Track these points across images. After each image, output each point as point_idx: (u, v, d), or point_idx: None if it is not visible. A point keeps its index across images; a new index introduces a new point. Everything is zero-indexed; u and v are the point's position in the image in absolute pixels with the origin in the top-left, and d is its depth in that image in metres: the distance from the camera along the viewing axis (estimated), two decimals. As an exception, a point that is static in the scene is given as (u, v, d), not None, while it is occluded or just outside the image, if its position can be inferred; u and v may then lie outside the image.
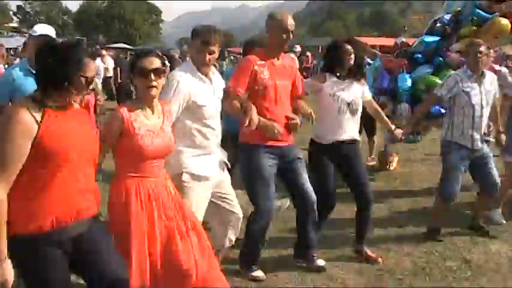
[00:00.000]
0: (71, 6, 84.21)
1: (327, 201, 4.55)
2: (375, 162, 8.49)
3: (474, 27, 7.04)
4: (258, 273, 4.35)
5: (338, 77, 4.49)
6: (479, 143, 5.11)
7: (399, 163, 8.54)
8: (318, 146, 4.57)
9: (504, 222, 5.86)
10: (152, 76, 2.98)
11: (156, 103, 3.15)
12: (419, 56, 7.21)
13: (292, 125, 4.13)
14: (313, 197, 4.27)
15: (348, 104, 4.45)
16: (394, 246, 5.22)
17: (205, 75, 3.73)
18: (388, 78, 7.25)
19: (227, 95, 3.93)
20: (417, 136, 7.24)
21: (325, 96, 4.44)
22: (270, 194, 4.11)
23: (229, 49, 36.37)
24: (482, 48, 5.00)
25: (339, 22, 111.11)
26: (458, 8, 7.30)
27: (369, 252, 4.86)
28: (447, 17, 7.41)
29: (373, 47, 13.84)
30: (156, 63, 3.02)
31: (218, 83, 3.90)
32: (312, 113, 4.28)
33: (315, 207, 4.30)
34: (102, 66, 14.98)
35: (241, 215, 4.14)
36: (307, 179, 4.31)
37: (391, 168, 8.24)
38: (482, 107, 5.03)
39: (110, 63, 16.20)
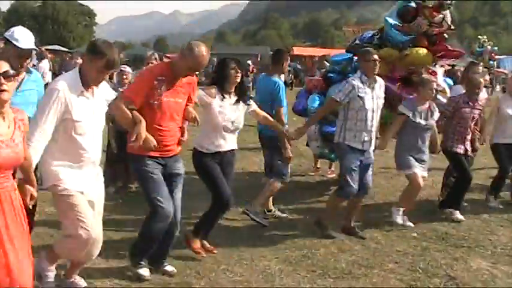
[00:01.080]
0: (1, 6, 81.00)
1: (224, 203, 4.86)
2: (334, 175, 8.50)
3: (396, 51, 7.05)
4: (145, 271, 4.42)
5: (225, 93, 4.77)
6: (369, 146, 5.53)
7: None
8: (200, 154, 4.83)
9: (411, 224, 6.22)
10: (2, 80, 2.82)
11: (7, 110, 2.97)
12: (332, 75, 7.35)
13: (181, 141, 4.42)
14: (179, 216, 4.47)
15: (232, 122, 4.81)
16: (376, 264, 5.22)
17: (88, 90, 3.70)
18: (305, 99, 7.47)
19: (119, 97, 4.05)
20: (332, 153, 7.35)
21: (212, 112, 4.73)
22: (166, 194, 4.25)
23: (166, 55, 36.18)
24: (376, 56, 5.45)
25: (273, 31, 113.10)
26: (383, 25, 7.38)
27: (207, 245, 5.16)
28: (369, 34, 7.52)
29: (312, 57, 14.23)
30: (4, 66, 2.88)
31: (101, 98, 3.85)
32: (197, 117, 4.49)
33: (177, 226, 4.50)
34: (47, 68, 14.06)
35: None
36: (180, 197, 4.51)
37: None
38: (373, 111, 5.46)
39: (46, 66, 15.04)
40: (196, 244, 5.02)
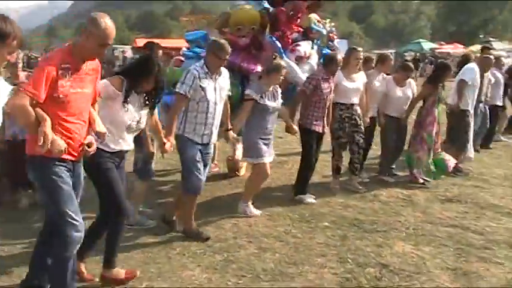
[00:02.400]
0: None
1: (120, 208, 4.11)
2: (218, 169, 7.88)
3: None
4: None
5: (137, 90, 4.18)
6: (208, 139, 5.21)
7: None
8: (100, 153, 4.01)
9: (258, 212, 6.06)
10: None
11: None
12: (186, 52, 7.36)
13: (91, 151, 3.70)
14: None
15: (137, 122, 4.24)
16: (304, 260, 4.81)
17: None
18: None
19: (17, 93, 3.30)
20: None
21: (116, 108, 4.11)
22: (77, 208, 3.57)
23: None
24: (227, 55, 5.11)
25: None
26: None
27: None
28: None
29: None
30: None
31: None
32: (105, 134, 3.85)
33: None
34: None
35: None
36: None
37: (240, 174, 7.79)
38: (215, 104, 5.13)
39: None
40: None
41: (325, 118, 6.69)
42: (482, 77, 8.83)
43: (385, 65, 7.79)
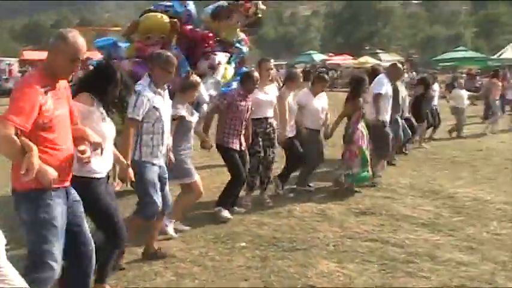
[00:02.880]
0: None
1: (121, 239, 4.08)
2: (118, 187, 7.31)
3: None
4: None
5: (103, 102, 4.04)
6: (164, 159, 5.07)
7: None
8: (92, 182, 3.89)
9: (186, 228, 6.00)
10: None
11: None
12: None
13: (85, 158, 3.48)
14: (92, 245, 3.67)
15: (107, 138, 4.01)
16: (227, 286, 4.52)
17: None
18: None
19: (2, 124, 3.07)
20: None
21: (96, 124, 3.90)
22: (61, 247, 3.35)
23: None
24: (174, 68, 4.89)
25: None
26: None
27: None
28: None
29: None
30: None
31: None
32: (102, 144, 3.67)
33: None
34: None
35: None
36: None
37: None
38: (167, 121, 4.95)
39: None
40: None
41: (241, 136, 6.51)
42: (395, 88, 9.03)
43: (294, 82, 7.63)
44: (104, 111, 3.97)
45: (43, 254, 3.23)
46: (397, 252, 5.28)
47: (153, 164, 4.82)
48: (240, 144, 6.51)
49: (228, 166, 6.55)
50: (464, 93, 14.29)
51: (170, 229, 5.76)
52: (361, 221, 6.34)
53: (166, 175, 5.05)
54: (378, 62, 38.90)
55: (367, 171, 7.74)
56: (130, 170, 4.44)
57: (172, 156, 5.42)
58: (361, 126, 7.74)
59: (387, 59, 42.94)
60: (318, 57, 43.19)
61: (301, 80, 7.79)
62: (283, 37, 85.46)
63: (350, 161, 7.64)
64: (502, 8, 75.34)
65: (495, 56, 32.46)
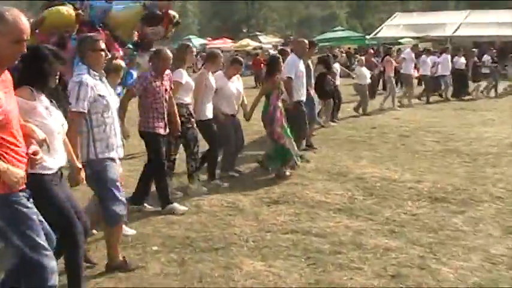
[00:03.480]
0: None
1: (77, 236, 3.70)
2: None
3: None
4: None
5: (44, 91, 3.61)
6: (122, 151, 4.65)
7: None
8: (41, 178, 3.50)
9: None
10: None
11: None
12: None
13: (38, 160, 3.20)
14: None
15: (62, 125, 3.70)
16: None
17: None
18: None
19: None
20: None
21: (41, 118, 3.50)
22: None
23: None
24: (104, 45, 4.44)
25: None
26: None
27: None
28: None
29: None
30: None
31: None
32: (46, 139, 3.32)
33: None
34: None
35: None
36: None
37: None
38: (115, 109, 4.54)
39: None
40: None
41: (165, 119, 6.08)
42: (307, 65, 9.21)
43: (214, 63, 7.41)
44: (49, 104, 3.56)
45: (35, 248, 3.09)
46: (321, 243, 5.03)
47: (112, 160, 4.38)
48: (165, 128, 6.10)
49: (152, 154, 6.11)
50: (366, 71, 14.65)
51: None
52: (275, 212, 6.04)
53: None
54: (258, 44, 39.21)
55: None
56: (82, 173, 3.99)
57: None
58: (280, 104, 7.69)
59: (267, 40, 43.43)
60: (197, 41, 42.50)
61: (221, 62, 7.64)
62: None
63: (279, 141, 7.56)
64: (372, -11, 79.01)
65: (372, 35, 33.77)
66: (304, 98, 8.68)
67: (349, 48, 34.24)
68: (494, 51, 19.69)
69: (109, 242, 4.51)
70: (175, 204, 6.12)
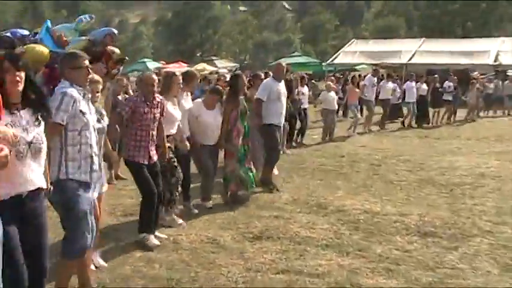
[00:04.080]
0: None
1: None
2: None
3: None
4: None
5: (10, 107, 3.27)
6: (98, 176, 4.41)
7: None
8: None
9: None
10: None
11: None
12: None
13: None
14: None
15: (30, 144, 3.34)
16: None
17: None
18: None
19: None
20: None
21: None
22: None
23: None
24: (88, 62, 4.20)
25: None
26: None
27: None
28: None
29: None
30: None
31: None
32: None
33: None
34: None
35: None
36: None
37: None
38: (95, 130, 4.28)
39: None
40: None
41: (151, 148, 5.78)
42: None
43: (191, 84, 7.30)
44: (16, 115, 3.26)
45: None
46: (317, 284, 4.76)
47: (85, 184, 4.03)
48: (150, 158, 5.76)
49: (137, 184, 5.83)
50: (334, 96, 14.63)
51: (97, 259, 5.13)
52: (261, 249, 5.73)
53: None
54: (214, 68, 39.06)
55: (250, 171, 7.78)
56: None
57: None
58: (239, 123, 7.57)
59: (222, 65, 43.38)
60: (152, 64, 42.02)
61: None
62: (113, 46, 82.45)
63: (226, 161, 7.61)
64: (324, 16, 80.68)
65: (329, 61, 34.09)
66: (279, 123, 8.48)
67: (305, 74, 34.35)
68: (455, 78, 20.00)
69: (59, 275, 4.13)
70: (151, 237, 5.80)
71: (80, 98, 4.00)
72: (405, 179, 9.43)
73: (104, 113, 5.06)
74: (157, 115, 5.86)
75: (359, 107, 16.53)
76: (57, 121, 3.84)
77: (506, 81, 25.18)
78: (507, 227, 6.40)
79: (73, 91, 3.96)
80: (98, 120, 4.69)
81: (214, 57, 48.70)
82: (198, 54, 66.77)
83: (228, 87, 7.97)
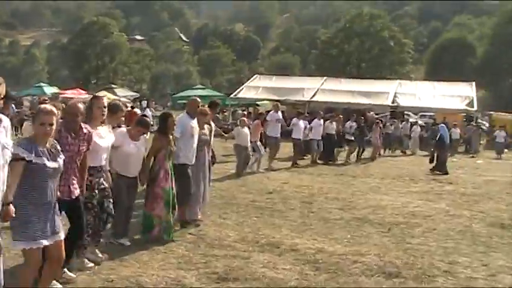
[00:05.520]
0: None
1: None
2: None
3: None
4: None
5: None
6: None
7: None
8: None
9: None
10: None
11: None
12: None
13: None
14: None
15: None
16: None
17: None
18: None
19: None
20: None
21: None
22: None
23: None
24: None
25: None
26: None
27: None
28: None
29: None
30: None
31: None
32: None
33: None
34: None
35: None
36: None
37: None
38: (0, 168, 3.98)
39: None
40: None
41: (72, 183, 5.33)
42: None
43: (116, 116, 6.74)
44: None
45: None
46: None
47: None
48: (70, 193, 5.29)
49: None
50: (247, 131, 14.69)
51: None
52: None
53: None
54: (115, 97, 38.04)
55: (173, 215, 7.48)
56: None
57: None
58: (167, 163, 7.34)
59: (123, 94, 42.42)
60: (49, 90, 40.29)
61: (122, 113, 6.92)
62: (2, 67, 78.57)
63: (153, 203, 7.27)
64: (222, 50, 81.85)
65: (233, 95, 34.40)
66: (190, 161, 8.19)
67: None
68: (362, 118, 20.87)
69: None
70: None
71: None
72: (339, 217, 9.59)
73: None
74: (82, 148, 5.44)
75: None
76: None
77: (404, 122, 26.80)
78: (460, 267, 6.65)
79: None
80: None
81: (113, 85, 47.53)
82: (93, 82, 65.04)
83: (159, 124, 7.69)
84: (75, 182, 5.37)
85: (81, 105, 5.46)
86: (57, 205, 4.76)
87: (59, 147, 4.76)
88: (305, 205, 10.61)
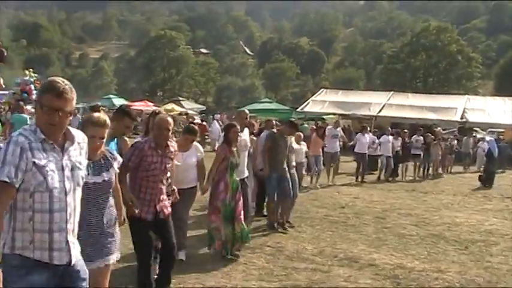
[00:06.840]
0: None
1: None
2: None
3: None
4: None
5: None
6: (68, 258, 3.09)
7: None
8: None
9: None
10: None
11: None
12: None
13: None
14: None
15: None
16: None
17: None
18: None
19: None
20: None
21: None
22: None
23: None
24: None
25: None
26: None
27: None
28: None
29: None
30: None
31: None
32: None
33: None
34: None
35: None
36: None
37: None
38: (67, 193, 3.05)
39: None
40: None
41: (158, 203, 5.27)
42: None
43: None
44: None
45: None
46: None
47: (36, 262, 2.98)
48: (156, 214, 5.23)
49: (133, 244, 5.32)
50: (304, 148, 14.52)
51: None
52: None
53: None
54: (182, 109, 39.00)
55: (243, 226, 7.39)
56: None
57: None
58: (228, 176, 7.21)
59: (190, 106, 43.46)
60: (118, 101, 41.71)
61: None
62: (71, 79, 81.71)
63: (212, 215, 7.20)
64: (286, 63, 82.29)
65: (299, 109, 34.62)
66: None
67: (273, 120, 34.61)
68: (428, 134, 20.51)
69: None
70: None
71: (37, 145, 2.96)
72: (415, 233, 9.60)
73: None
74: (168, 165, 5.36)
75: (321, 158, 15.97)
76: (3, 178, 2.82)
77: (472, 138, 26.13)
78: (545, 288, 6.60)
79: (25, 135, 2.96)
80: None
81: (180, 98, 48.71)
82: (158, 94, 66.87)
83: (224, 134, 7.59)
84: (162, 201, 5.31)
85: (170, 120, 5.35)
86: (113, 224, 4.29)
87: (111, 158, 4.19)
88: (379, 220, 10.66)
